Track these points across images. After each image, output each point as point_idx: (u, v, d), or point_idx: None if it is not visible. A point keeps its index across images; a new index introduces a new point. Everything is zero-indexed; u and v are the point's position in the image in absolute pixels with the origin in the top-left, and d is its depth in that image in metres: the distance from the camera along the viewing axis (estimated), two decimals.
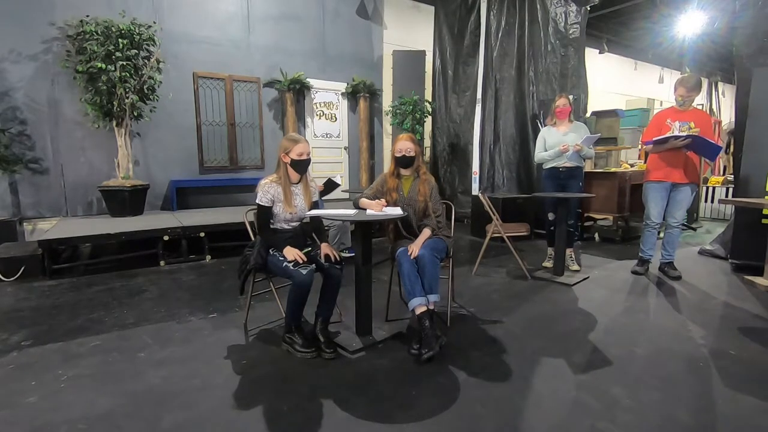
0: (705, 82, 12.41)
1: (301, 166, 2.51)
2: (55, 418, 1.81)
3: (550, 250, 4.20)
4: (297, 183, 2.57)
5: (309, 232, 2.64)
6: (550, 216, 4.10)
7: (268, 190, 2.45)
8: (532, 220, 5.22)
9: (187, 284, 3.73)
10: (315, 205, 2.63)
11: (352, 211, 2.56)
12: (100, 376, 2.17)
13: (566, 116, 3.98)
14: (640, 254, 4.03)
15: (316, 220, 2.66)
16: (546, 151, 3.99)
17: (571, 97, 4.11)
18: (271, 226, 2.51)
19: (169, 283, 3.76)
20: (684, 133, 3.56)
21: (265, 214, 2.47)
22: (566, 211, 3.76)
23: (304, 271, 2.28)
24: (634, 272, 3.96)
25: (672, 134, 3.60)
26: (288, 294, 2.36)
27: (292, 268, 2.30)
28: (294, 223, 2.54)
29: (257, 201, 2.46)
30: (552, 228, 4.20)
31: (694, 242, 5.43)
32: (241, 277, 2.50)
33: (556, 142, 3.91)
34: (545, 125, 4.23)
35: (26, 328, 2.77)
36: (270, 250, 2.44)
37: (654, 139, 3.67)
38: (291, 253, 2.35)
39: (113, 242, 4.48)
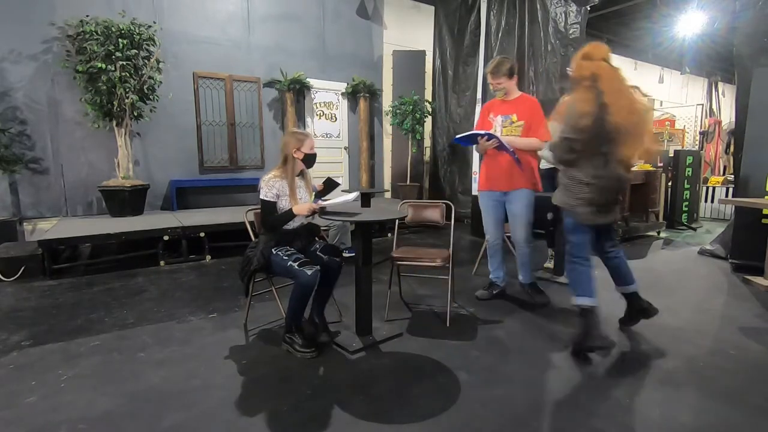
0: (705, 82, 12.42)
1: (312, 159, 2.54)
2: (55, 418, 1.81)
3: (551, 251, 4.21)
4: (299, 176, 2.57)
5: (313, 230, 2.65)
6: (549, 216, 4.11)
7: (273, 185, 2.42)
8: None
9: (187, 284, 3.72)
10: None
11: (352, 195, 2.58)
12: (100, 376, 2.17)
13: None
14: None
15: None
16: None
17: None
18: None
19: (169, 283, 3.76)
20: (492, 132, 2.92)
21: (270, 209, 2.43)
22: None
23: (309, 272, 2.27)
24: (477, 297, 3.29)
25: (469, 133, 2.95)
26: (291, 293, 2.36)
27: (296, 267, 2.29)
28: (295, 224, 2.52)
29: (262, 197, 2.42)
30: (551, 228, 4.21)
31: (694, 242, 5.43)
32: (245, 279, 2.48)
33: None
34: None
35: (26, 328, 2.77)
36: (273, 250, 2.42)
37: (457, 137, 3.08)
38: (303, 208, 2.39)
39: (113, 242, 4.47)
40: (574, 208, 2.39)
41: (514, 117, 2.93)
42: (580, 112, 2.25)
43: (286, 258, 2.36)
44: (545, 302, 3.18)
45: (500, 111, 3.01)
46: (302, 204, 2.43)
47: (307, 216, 2.46)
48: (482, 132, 2.85)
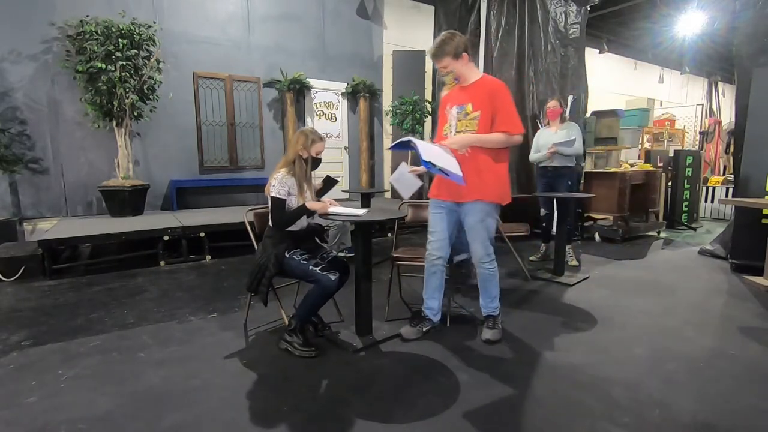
0: (705, 82, 12.42)
1: (316, 164, 2.50)
2: (55, 418, 1.81)
3: (542, 246, 4.48)
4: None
5: (319, 231, 2.64)
6: (542, 212, 4.33)
7: (285, 182, 2.36)
8: (532, 220, 5.22)
9: (187, 284, 3.72)
10: None
11: (362, 210, 2.59)
12: (100, 376, 2.17)
13: (556, 117, 4.17)
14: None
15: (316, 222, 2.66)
16: (538, 152, 4.21)
17: (571, 97, 4.21)
18: None
19: (169, 283, 3.76)
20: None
21: (281, 206, 2.36)
22: (564, 210, 3.79)
23: (333, 277, 2.29)
24: (402, 337, 2.55)
25: (397, 141, 2.27)
26: (308, 294, 2.36)
27: (319, 272, 2.29)
28: (302, 224, 2.49)
29: (275, 194, 2.34)
30: (544, 225, 4.38)
31: (694, 242, 5.43)
32: (262, 288, 2.34)
33: (545, 142, 4.12)
34: (542, 125, 4.43)
35: (26, 328, 2.77)
36: (286, 253, 2.38)
37: (392, 145, 2.37)
38: (318, 205, 2.37)
39: (113, 242, 4.47)
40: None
41: (469, 107, 2.37)
42: None
43: (305, 262, 2.35)
44: (489, 340, 2.52)
45: (456, 101, 2.46)
46: (317, 202, 2.42)
47: (321, 215, 2.41)
48: (405, 139, 2.23)
